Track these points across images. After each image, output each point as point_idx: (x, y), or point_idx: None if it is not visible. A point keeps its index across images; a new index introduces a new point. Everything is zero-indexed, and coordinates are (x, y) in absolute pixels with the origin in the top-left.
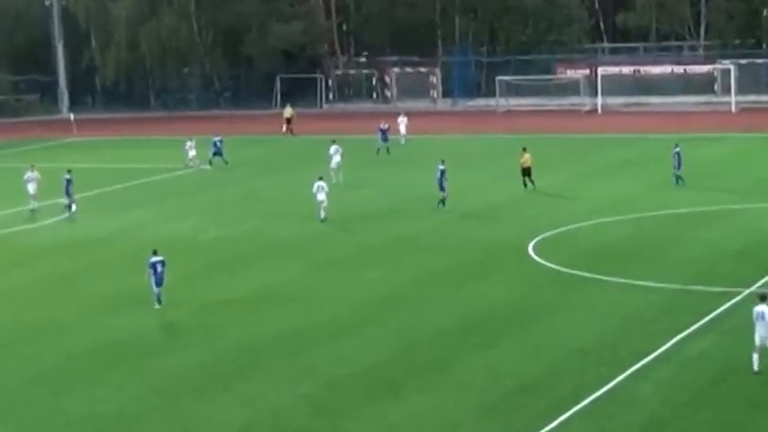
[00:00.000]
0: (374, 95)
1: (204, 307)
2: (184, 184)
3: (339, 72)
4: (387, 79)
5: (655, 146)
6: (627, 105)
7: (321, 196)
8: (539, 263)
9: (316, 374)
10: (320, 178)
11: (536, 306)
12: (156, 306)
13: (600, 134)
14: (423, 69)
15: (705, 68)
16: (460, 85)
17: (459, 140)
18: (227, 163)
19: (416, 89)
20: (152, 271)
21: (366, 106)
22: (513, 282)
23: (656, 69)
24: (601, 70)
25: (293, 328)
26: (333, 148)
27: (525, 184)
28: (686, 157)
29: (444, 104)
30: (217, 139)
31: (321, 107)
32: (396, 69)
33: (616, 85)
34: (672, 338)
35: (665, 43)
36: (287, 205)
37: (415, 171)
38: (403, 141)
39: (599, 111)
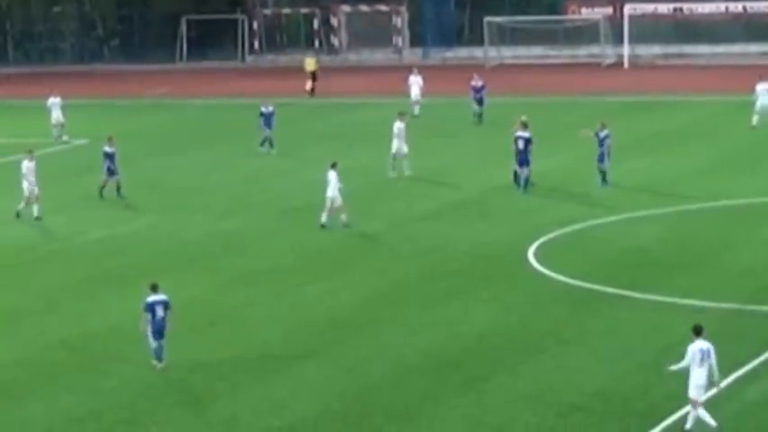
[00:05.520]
0: (316, 44)
1: (82, 336)
2: (55, 166)
3: (268, 12)
4: (334, 22)
5: (702, 112)
6: (664, 57)
7: (331, 192)
8: (542, 273)
9: (235, 428)
10: (332, 166)
11: (538, 333)
12: (155, 363)
13: (626, 96)
14: (383, 8)
15: None
16: (435, 30)
17: (434, 105)
18: (272, 146)
19: (375, 35)
20: (150, 315)
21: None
22: (506, 299)
23: (704, 8)
24: (628, 9)
25: (205, 363)
26: (396, 126)
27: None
28: (745, 127)
29: (413, 56)
30: (268, 109)
31: (243, 60)
32: (346, 8)
33: (649, 30)
34: (725, 377)
35: None
36: (196, 196)
37: (375, 147)
38: (416, 111)
39: (625, 64)
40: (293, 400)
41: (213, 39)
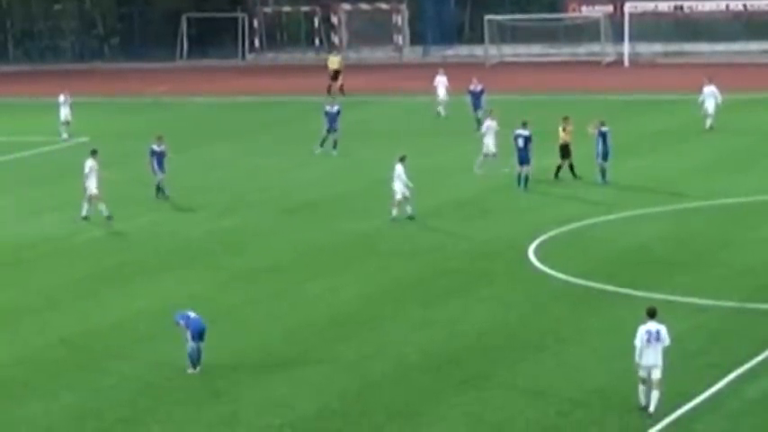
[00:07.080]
0: (317, 42)
1: (83, 334)
2: (55, 164)
3: (268, 10)
4: (334, 20)
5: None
6: (664, 55)
7: (398, 186)
8: (542, 272)
9: (236, 426)
10: (401, 159)
11: (538, 331)
12: (191, 370)
13: (627, 94)
14: (383, 6)
15: None
16: (435, 28)
17: (434, 103)
18: (335, 147)
19: (375, 33)
20: (183, 323)
21: (306, 57)
22: (506, 298)
23: (705, 6)
24: (629, 7)
25: (205, 361)
26: (486, 125)
27: (573, 171)
28: (745, 126)
29: (413, 54)
30: (333, 108)
31: (244, 58)
32: (346, 6)
33: (650, 28)
34: (725, 376)
35: None
36: (197, 194)
37: (376, 145)
38: (442, 112)
39: (626, 62)
40: (293, 398)
41: (213, 37)
